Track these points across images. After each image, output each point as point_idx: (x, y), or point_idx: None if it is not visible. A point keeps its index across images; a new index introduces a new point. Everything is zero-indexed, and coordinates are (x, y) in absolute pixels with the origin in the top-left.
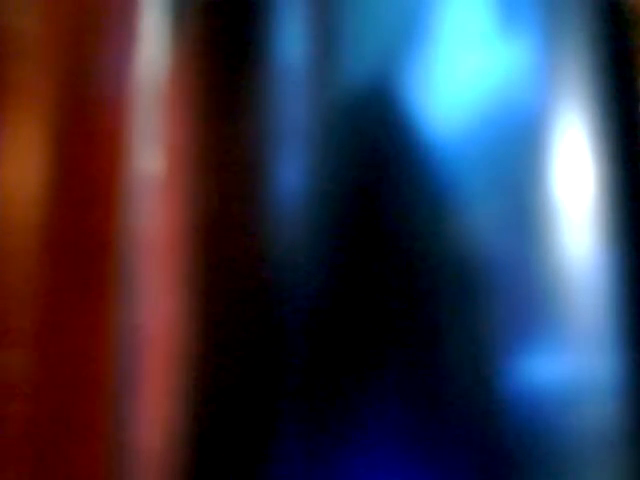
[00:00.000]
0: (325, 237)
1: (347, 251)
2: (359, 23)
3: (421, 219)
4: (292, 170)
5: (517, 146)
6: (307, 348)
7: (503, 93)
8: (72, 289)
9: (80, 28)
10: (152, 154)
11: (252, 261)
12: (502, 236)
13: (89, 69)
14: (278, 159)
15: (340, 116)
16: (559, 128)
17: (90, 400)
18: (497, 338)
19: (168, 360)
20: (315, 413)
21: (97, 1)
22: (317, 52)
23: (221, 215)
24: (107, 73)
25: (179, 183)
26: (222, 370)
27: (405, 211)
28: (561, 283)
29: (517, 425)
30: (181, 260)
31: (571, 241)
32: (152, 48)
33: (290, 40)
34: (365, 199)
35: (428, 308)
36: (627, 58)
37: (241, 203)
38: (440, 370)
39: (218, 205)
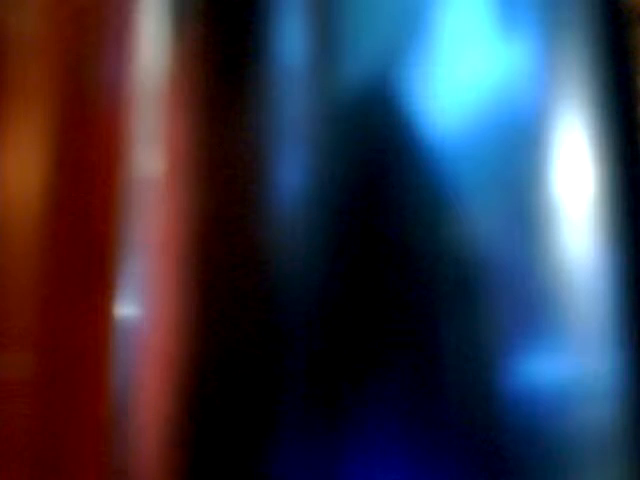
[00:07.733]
0: (325, 238)
1: (347, 251)
2: (359, 23)
3: (421, 219)
4: (292, 170)
5: (517, 145)
6: (307, 349)
7: (503, 92)
8: (72, 289)
9: (80, 28)
10: (152, 154)
11: (252, 261)
12: (502, 236)
13: (89, 69)
14: (278, 159)
15: (340, 116)
16: (558, 127)
17: (90, 400)
18: (497, 338)
19: (168, 360)
20: (315, 414)
21: (97, 2)
22: (317, 52)
23: (221, 215)
24: (107, 73)
25: (179, 183)
26: (221, 371)
27: (405, 211)
28: (561, 283)
29: (517, 425)
30: (180, 260)
31: (571, 241)
32: (152, 48)
33: (290, 40)
34: (366, 199)
35: (428, 308)
36: (626, 58)
37: (241, 203)
38: (441, 370)
39: (218, 205)
